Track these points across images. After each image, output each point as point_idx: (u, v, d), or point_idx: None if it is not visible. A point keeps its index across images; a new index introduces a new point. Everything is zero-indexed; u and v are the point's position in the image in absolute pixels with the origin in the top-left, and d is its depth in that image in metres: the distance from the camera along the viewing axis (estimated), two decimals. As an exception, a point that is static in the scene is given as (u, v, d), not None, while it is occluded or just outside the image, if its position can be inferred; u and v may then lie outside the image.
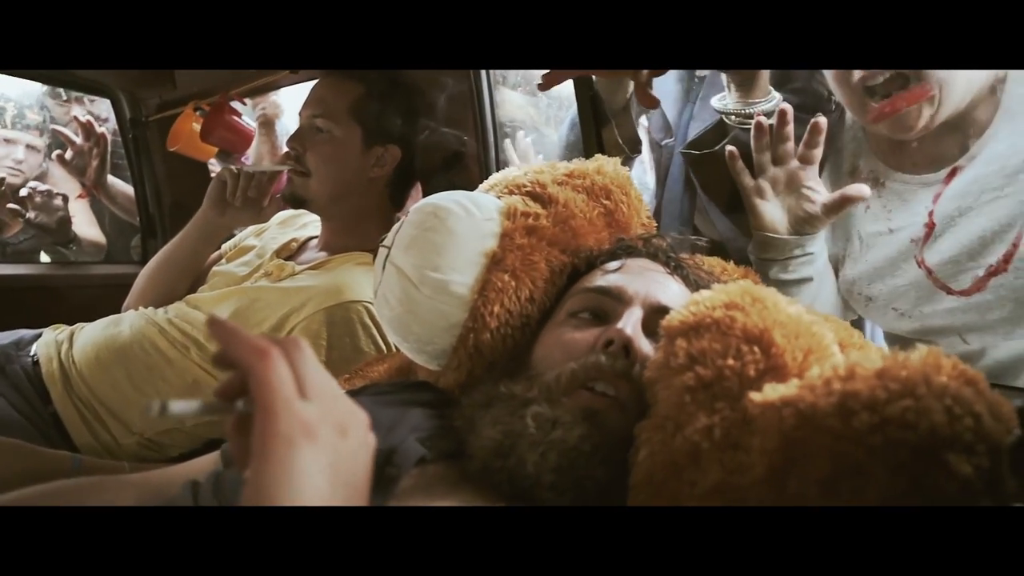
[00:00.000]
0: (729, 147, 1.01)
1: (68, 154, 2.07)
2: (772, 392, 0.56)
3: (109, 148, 2.07)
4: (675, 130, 1.26)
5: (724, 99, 1.05)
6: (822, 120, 0.96)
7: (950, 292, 0.99)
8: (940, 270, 0.99)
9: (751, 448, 0.55)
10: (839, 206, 0.96)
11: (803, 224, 0.98)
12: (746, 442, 0.56)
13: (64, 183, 2.18)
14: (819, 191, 0.98)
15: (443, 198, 0.84)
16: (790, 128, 0.96)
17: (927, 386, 0.49)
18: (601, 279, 0.80)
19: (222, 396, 0.49)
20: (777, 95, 1.02)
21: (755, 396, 0.57)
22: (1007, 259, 0.92)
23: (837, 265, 1.11)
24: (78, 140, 2.05)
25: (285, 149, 1.46)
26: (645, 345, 0.72)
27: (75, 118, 2.08)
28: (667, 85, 1.32)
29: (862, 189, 0.95)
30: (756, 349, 0.60)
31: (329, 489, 0.44)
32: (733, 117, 1.02)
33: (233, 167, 1.53)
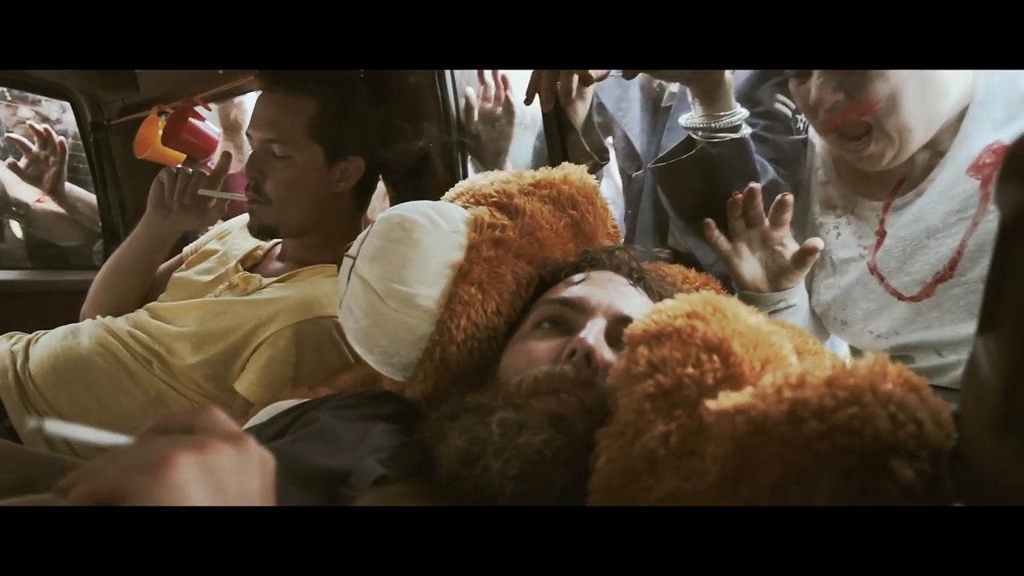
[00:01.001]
0: (731, 199, 1.03)
1: (22, 162, 1.97)
2: (726, 400, 0.57)
3: (67, 156, 1.99)
4: (644, 162, 1.27)
5: (690, 117, 1.05)
6: (788, 197, 1.01)
7: (900, 298, 1.01)
8: (890, 276, 1.01)
9: (705, 455, 0.55)
10: (804, 257, 1.00)
11: (780, 279, 1.02)
12: (701, 449, 0.56)
13: (21, 186, 2.12)
14: (789, 247, 1.03)
15: (409, 209, 0.82)
16: (759, 200, 1.01)
17: (872, 394, 0.50)
18: (565, 291, 0.80)
19: None
20: (742, 110, 1.02)
21: (710, 404, 0.57)
22: (952, 266, 0.95)
23: (810, 289, 1.12)
24: (34, 148, 1.96)
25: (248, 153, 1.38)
26: (608, 354, 0.72)
27: (30, 126, 1.99)
28: (634, 115, 1.32)
29: (816, 241, 1.00)
30: (715, 358, 0.60)
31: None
32: (700, 132, 1.02)
33: (173, 168, 1.44)
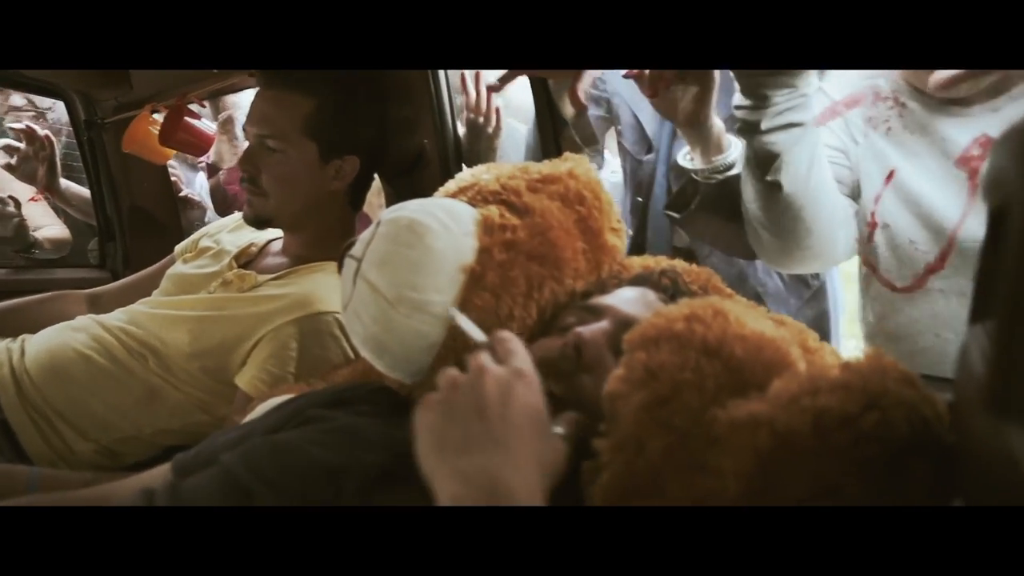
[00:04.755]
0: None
1: (14, 160, 1.86)
2: (738, 410, 0.52)
3: (57, 150, 1.88)
4: (656, 144, 1.23)
5: (687, 157, 1.01)
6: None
7: (893, 289, 0.96)
8: (884, 267, 0.96)
9: (721, 471, 0.51)
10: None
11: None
12: (713, 464, 0.51)
13: (16, 184, 2.05)
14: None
15: (418, 211, 0.76)
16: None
17: (887, 396, 0.48)
18: (591, 299, 0.76)
19: None
20: (735, 147, 0.97)
21: (721, 414, 0.52)
22: (943, 257, 0.90)
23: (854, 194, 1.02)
24: (22, 146, 1.85)
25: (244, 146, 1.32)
26: (606, 355, 0.67)
27: (11, 128, 1.88)
28: (644, 99, 1.30)
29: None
30: (716, 363, 0.56)
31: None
32: (698, 174, 0.99)
33: None
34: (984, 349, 0.38)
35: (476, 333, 0.66)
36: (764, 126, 0.86)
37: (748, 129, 0.88)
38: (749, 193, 0.94)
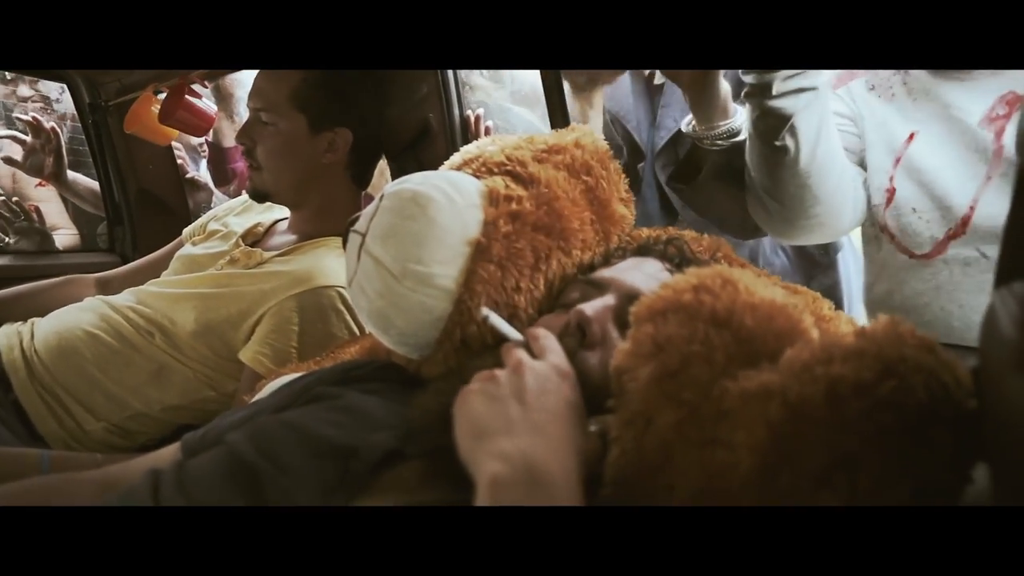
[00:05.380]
0: None
1: (20, 155, 1.86)
2: (749, 381, 0.50)
3: (64, 142, 1.87)
4: (645, 151, 1.20)
5: (690, 124, 0.98)
6: None
7: (912, 256, 0.94)
8: (901, 234, 0.94)
9: (733, 444, 0.49)
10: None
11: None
12: (725, 437, 0.49)
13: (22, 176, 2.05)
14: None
15: (422, 183, 0.74)
16: None
17: (903, 362, 0.45)
18: (596, 272, 0.74)
19: None
20: (739, 115, 0.94)
21: (732, 386, 0.50)
22: (964, 223, 0.88)
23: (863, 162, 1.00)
24: (28, 139, 1.85)
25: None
26: (611, 331, 0.65)
27: (18, 118, 1.89)
28: (628, 105, 1.26)
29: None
30: (725, 333, 0.54)
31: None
32: (705, 141, 0.95)
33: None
34: (1014, 312, 0.36)
35: (511, 332, 0.66)
36: (775, 90, 0.84)
37: (758, 93, 0.86)
38: (755, 159, 0.92)
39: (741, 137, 0.95)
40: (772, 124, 0.86)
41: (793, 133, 0.86)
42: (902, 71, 0.94)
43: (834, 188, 0.92)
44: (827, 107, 0.89)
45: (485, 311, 0.67)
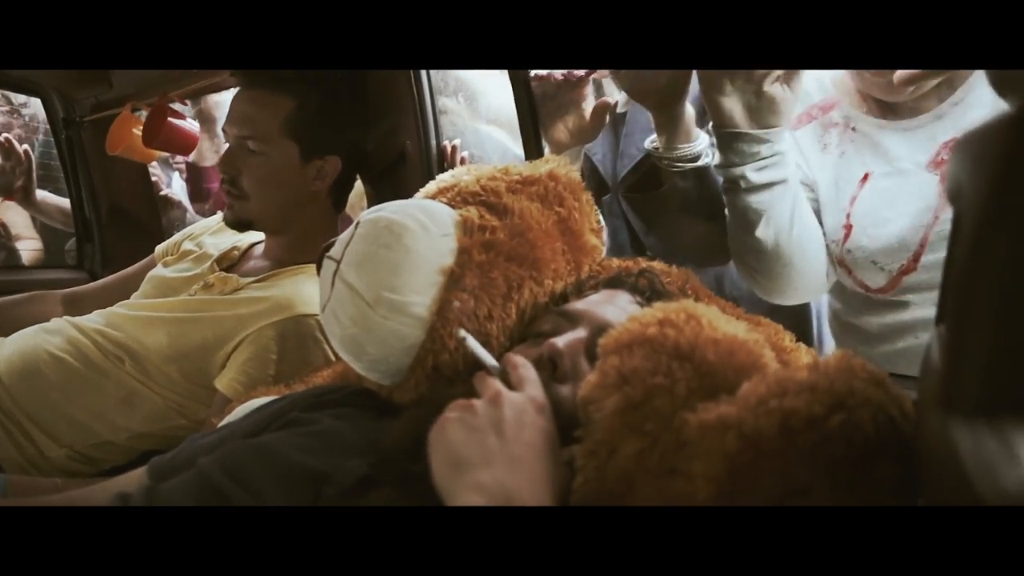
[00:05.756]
0: None
1: None
2: (707, 413, 0.52)
3: (33, 165, 1.86)
4: (610, 184, 1.22)
5: (653, 142, 1.00)
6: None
7: (867, 290, 0.97)
8: (857, 269, 0.97)
9: (691, 474, 0.50)
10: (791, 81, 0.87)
11: (763, 113, 0.87)
12: (684, 467, 0.51)
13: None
14: (775, 88, 0.87)
15: (396, 212, 0.75)
16: None
17: (853, 396, 0.48)
18: (568, 304, 0.75)
19: None
20: (703, 139, 0.97)
21: (691, 418, 0.52)
22: (915, 258, 0.92)
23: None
24: None
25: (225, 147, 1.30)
26: (582, 363, 0.67)
27: None
28: (600, 140, 1.27)
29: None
30: (687, 366, 0.56)
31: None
32: (663, 161, 0.98)
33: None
34: (939, 348, 0.38)
35: (486, 357, 0.66)
36: (746, 183, 0.89)
37: (731, 188, 0.91)
38: (737, 245, 0.97)
39: (702, 162, 0.97)
40: (750, 219, 0.91)
41: (769, 225, 0.91)
42: (849, 130, 0.99)
43: (813, 258, 0.98)
44: (798, 192, 0.94)
45: (462, 333, 0.68)
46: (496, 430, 0.56)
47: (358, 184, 1.48)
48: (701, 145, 0.97)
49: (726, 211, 0.96)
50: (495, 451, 0.54)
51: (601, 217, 0.94)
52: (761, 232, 0.91)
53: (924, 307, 0.96)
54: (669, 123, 0.96)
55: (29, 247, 2.13)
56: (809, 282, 1.00)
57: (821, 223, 1.00)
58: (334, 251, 0.77)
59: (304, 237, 1.32)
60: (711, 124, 0.92)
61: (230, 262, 1.37)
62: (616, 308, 0.73)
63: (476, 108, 1.84)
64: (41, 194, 1.98)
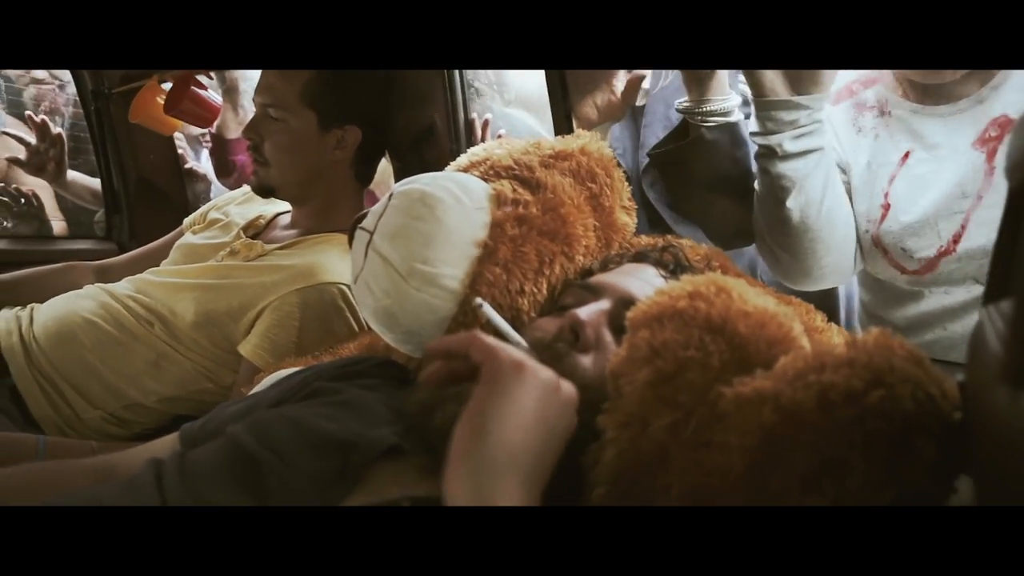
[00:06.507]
0: None
1: (23, 155, 1.83)
2: (744, 386, 0.52)
3: (66, 147, 1.87)
4: (631, 176, 1.23)
5: (683, 100, 0.98)
6: None
7: (904, 272, 0.96)
8: (894, 250, 0.96)
9: (728, 447, 0.51)
10: None
11: (802, 79, 0.86)
12: (720, 440, 0.51)
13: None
14: None
15: (430, 184, 0.75)
16: None
17: (893, 373, 0.47)
18: (592, 277, 0.75)
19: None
20: (734, 95, 0.95)
21: (727, 391, 0.52)
22: (956, 240, 0.90)
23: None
24: (32, 140, 1.83)
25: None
26: (606, 335, 0.67)
27: (29, 117, 1.83)
28: (619, 134, 1.27)
29: None
30: (720, 339, 0.56)
31: (533, 421, 0.52)
32: (694, 116, 0.96)
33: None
34: (1000, 329, 0.38)
35: (503, 324, 0.65)
36: (783, 151, 0.87)
37: (767, 154, 0.89)
38: (765, 218, 0.95)
39: (732, 118, 0.96)
40: (783, 186, 0.89)
41: (801, 194, 0.89)
42: (884, 115, 0.98)
43: (842, 238, 0.96)
44: (832, 165, 0.92)
45: (479, 300, 0.66)
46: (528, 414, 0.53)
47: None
48: (733, 101, 0.96)
49: (756, 184, 0.94)
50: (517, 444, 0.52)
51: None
52: (792, 202, 0.90)
53: (951, 297, 0.95)
54: (700, 76, 0.94)
55: (54, 221, 2.16)
56: (836, 261, 0.98)
57: (852, 207, 0.98)
58: (367, 222, 0.77)
59: (328, 207, 1.33)
60: (750, 95, 0.90)
61: (256, 230, 1.39)
62: (640, 281, 0.72)
63: (505, 91, 1.84)
64: (72, 175, 1.99)
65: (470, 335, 0.55)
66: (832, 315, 1.16)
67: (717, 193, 1.02)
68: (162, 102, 1.72)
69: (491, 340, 0.54)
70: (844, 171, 0.99)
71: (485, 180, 0.80)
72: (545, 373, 0.54)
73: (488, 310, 0.65)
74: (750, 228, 1.01)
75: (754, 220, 0.99)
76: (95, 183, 2.00)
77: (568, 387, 0.56)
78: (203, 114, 1.74)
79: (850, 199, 0.98)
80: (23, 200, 1.96)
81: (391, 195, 0.76)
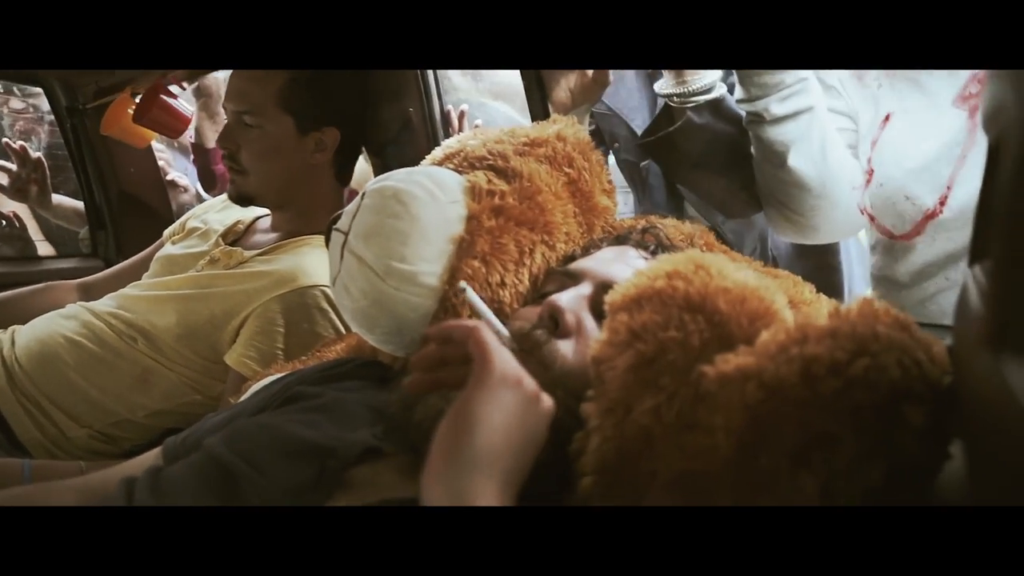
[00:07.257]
0: None
1: (5, 181, 1.83)
2: (726, 364, 0.50)
3: (47, 172, 1.86)
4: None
5: (663, 84, 0.96)
6: None
7: (892, 237, 0.94)
8: (881, 216, 0.94)
9: (712, 427, 0.49)
10: None
11: None
12: (704, 421, 0.50)
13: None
14: None
15: (403, 180, 0.74)
16: None
17: (877, 341, 0.46)
18: (573, 263, 0.73)
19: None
20: (715, 75, 0.94)
21: (708, 370, 0.50)
22: (942, 201, 0.88)
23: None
24: (13, 167, 1.81)
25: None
26: (587, 320, 0.65)
27: (7, 144, 1.83)
28: (632, 103, 1.24)
29: None
30: (699, 318, 0.54)
31: (516, 427, 0.51)
32: (675, 99, 0.94)
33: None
34: (982, 287, 0.36)
35: (485, 310, 0.64)
36: (771, 114, 0.86)
37: (756, 120, 0.88)
38: (768, 182, 0.93)
39: (715, 94, 0.94)
40: (776, 151, 0.88)
41: (799, 154, 0.88)
42: None
43: (849, 192, 0.94)
44: (826, 121, 0.90)
45: (463, 285, 0.65)
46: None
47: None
48: (711, 76, 0.94)
49: (752, 149, 0.92)
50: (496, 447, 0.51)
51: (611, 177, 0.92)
52: (793, 161, 0.89)
53: (952, 243, 0.92)
54: None
55: (40, 242, 2.15)
56: (845, 215, 0.97)
57: (859, 157, 0.97)
58: (341, 223, 0.75)
59: (308, 210, 1.31)
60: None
61: (235, 236, 1.37)
62: (621, 264, 0.71)
63: (482, 83, 1.82)
64: (56, 198, 1.97)
65: (472, 326, 0.54)
66: (835, 285, 1.15)
67: (714, 171, 1.01)
68: (131, 113, 1.70)
69: (491, 338, 0.54)
70: (853, 119, 0.97)
71: (459, 172, 0.79)
72: (530, 383, 0.53)
73: (471, 295, 0.63)
74: (752, 198, 1.00)
75: (757, 186, 0.97)
76: (80, 205, 1.99)
77: (547, 399, 0.54)
78: (173, 123, 1.71)
79: (859, 149, 0.96)
80: (4, 222, 1.94)
81: (363, 194, 0.75)
